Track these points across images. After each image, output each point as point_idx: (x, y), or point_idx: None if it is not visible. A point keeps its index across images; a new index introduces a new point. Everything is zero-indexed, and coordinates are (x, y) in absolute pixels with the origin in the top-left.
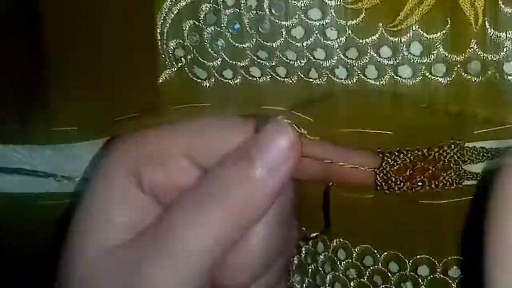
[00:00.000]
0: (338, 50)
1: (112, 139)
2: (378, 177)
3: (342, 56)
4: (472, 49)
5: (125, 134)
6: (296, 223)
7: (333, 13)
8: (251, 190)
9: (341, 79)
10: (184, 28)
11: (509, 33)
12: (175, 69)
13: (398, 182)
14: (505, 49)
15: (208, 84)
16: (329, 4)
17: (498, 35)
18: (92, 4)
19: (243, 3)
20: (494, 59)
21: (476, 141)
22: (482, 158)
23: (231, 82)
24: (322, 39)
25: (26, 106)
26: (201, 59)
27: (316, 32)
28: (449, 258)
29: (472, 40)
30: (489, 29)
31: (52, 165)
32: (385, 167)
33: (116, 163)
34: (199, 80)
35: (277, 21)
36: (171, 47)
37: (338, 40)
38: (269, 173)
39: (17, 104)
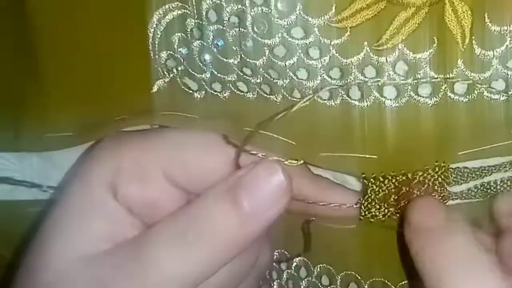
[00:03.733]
0: (321, 70)
1: (95, 143)
2: (362, 206)
3: (326, 76)
4: (459, 69)
5: (108, 137)
6: (268, 247)
7: (317, 32)
8: (237, 232)
9: (325, 100)
10: (173, 40)
11: (496, 52)
12: (168, 79)
13: (383, 209)
14: (492, 68)
15: (199, 96)
16: (312, 23)
17: (486, 54)
18: (85, 14)
19: (226, 20)
20: (481, 78)
21: (462, 161)
22: (466, 179)
23: (220, 95)
24: (305, 59)
25: (17, 114)
26: (191, 71)
27: (299, 51)
28: None
29: (459, 60)
30: (476, 48)
31: (40, 172)
32: (370, 195)
33: (93, 172)
34: (190, 92)
35: (260, 39)
36: (163, 58)
37: (322, 60)
38: (256, 216)
39: (7, 111)
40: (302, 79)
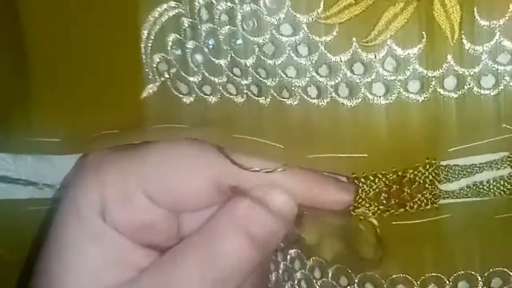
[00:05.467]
0: (310, 67)
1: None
2: (353, 206)
3: (314, 74)
4: (448, 64)
5: (90, 158)
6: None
7: (305, 29)
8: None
9: (314, 98)
10: (167, 42)
11: (486, 47)
12: (159, 83)
13: (373, 207)
14: (481, 63)
15: (189, 100)
16: (301, 20)
17: (475, 49)
18: (76, 17)
19: (217, 18)
20: (471, 73)
21: (452, 158)
22: (457, 176)
23: (209, 99)
24: (294, 56)
25: (8, 116)
26: (183, 73)
27: (288, 49)
28: (426, 275)
29: (449, 55)
30: (465, 43)
31: (35, 171)
32: (361, 194)
33: (82, 201)
34: (181, 96)
35: (250, 37)
36: (155, 61)
37: (310, 57)
38: (259, 247)
39: None
40: (291, 77)
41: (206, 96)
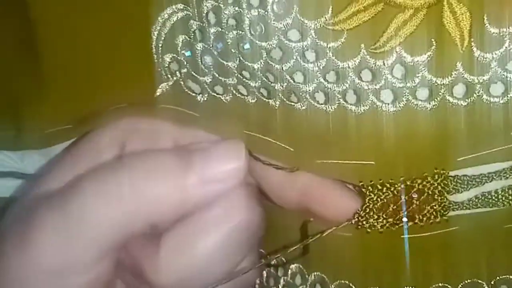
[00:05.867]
0: (318, 73)
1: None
2: (359, 216)
3: (322, 80)
4: (458, 71)
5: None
6: (256, 252)
7: (313, 35)
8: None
9: (321, 104)
10: (177, 43)
11: (495, 54)
12: (171, 82)
13: (381, 220)
14: (491, 71)
15: (202, 99)
16: (309, 26)
17: (484, 57)
18: (89, 16)
19: (224, 22)
20: (481, 81)
21: (461, 168)
22: (467, 187)
23: (223, 98)
24: (301, 62)
25: (16, 113)
26: (194, 74)
27: (296, 54)
28: (433, 286)
29: (458, 62)
30: (475, 50)
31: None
32: (368, 204)
33: (105, 133)
34: (193, 94)
35: (257, 41)
36: (167, 61)
37: (318, 63)
38: (202, 185)
39: (6, 110)
40: (299, 83)
41: (219, 96)
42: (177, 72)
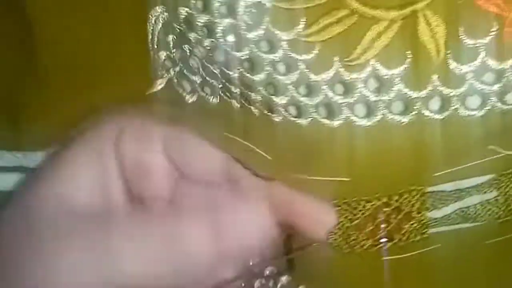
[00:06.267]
0: (290, 86)
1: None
2: (336, 236)
3: (295, 93)
4: (433, 84)
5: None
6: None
7: (285, 46)
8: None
9: (295, 117)
10: (168, 41)
11: (471, 66)
12: (166, 80)
13: (360, 240)
14: (466, 83)
15: (191, 99)
16: (280, 37)
17: (460, 68)
18: (85, 12)
19: (199, 29)
20: (457, 94)
21: (438, 183)
22: (445, 203)
23: (211, 100)
24: (273, 74)
25: (16, 114)
26: (186, 72)
27: (268, 66)
28: None
29: (434, 75)
30: (451, 62)
31: None
32: (344, 222)
33: (101, 128)
34: (184, 94)
35: (230, 51)
36: (162, 58)
37: (290, 75)
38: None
39: (6, 111)
40: (273, 95)
41: (207, 96)
42: (171, 70)
